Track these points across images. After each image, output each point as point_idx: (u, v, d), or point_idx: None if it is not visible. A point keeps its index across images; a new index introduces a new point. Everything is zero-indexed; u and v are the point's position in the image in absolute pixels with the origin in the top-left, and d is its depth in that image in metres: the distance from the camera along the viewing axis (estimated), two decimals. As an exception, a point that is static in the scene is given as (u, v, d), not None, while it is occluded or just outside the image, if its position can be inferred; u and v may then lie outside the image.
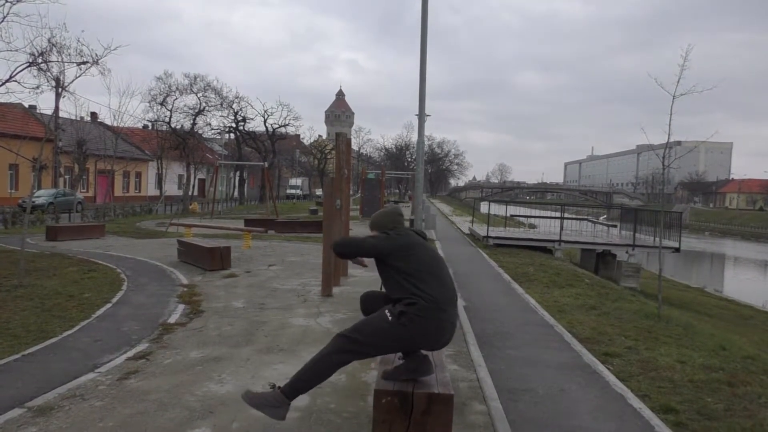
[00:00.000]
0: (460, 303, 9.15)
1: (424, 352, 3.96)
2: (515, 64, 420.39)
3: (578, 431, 4.42)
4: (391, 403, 3.53)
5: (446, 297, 3.85)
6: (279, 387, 3.78)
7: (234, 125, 48.53)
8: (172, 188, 51.09)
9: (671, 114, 10.05)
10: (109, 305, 8.34)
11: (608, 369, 6.14)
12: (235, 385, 5.01)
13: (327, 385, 5.08)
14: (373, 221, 4.31)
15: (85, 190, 41.24)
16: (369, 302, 4.25)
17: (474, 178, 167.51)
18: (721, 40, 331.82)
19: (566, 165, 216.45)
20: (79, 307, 8.13)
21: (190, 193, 42.22)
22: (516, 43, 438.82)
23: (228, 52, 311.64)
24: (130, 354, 5.99)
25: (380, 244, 4.01)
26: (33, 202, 18.91)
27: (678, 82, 9.83)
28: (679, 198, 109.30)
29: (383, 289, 4.10)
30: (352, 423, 4.26)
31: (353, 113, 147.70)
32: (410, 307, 3.70)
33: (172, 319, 7.57)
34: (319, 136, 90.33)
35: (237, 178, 55.97)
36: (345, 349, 3.73)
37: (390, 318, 3.71)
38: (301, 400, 4.66)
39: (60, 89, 25.09)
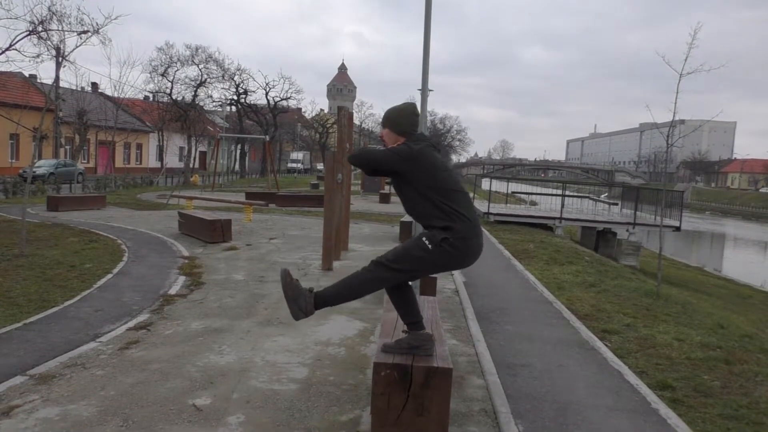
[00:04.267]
0: (460, 279, 9.18)
1: (429, 331, 3.89)
2: (522, 38, 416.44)
3: (575, 406, 4.46)
4: (390, 376, 3.55)
5: (474, 211, 3.74)
6: (314, 292, 3.71)
7: (235, 98, 48.24)
8: (173, 160, 50.94)
9: (677, 92, 9.99)
10: (110, 276, 8.38)
11: (606, 346, 6.18)
12: (235, 357, 5.05)
13: (326, 358, 5.12)
14: (388, 118, 3.87)
15: (85, 161, 41.13)
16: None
17: (476, 154, 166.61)
18: (731, 18, 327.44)
19: (568, 142, 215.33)
20: (80, 277, 8.16)
21: (191, 165, 42.11)
22: (523, 17, 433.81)
23: (231, 22, 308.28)
24: (131, 324, 6.03)
25: (402, 162, 3.63)
26: (34, 172, 18.85)
27: (685, 60, 9.75)
28: (681, 177, 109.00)
29: (394, 228, 3.82)
30: (351, 395, 4.30)
31: (355, 87, 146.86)
32: (449, 232, 3.55)
33: (172, 291, 7.60)
34: (321, 110, 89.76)
35: (238, 151, 55.77)
36: (383, 277, 3.65)
37: (430, 246, 3.56)
38: (300, 373, 4.71)
39: (60, 58, 24.91)
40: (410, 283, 3.93)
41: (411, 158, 3.63)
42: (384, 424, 3.57)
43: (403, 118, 3.83)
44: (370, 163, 3.78)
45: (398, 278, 3.71)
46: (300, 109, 73.58)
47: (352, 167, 12.74)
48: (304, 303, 3.67)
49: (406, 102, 4.00)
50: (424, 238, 3.62)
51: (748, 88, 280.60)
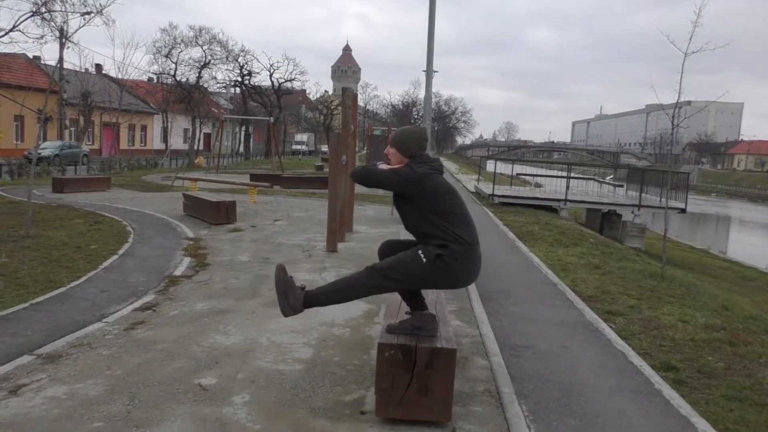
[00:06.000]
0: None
1: (431, 311, 3.94)
2: (529, 20, 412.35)
3: (579, 387, 4.47)
4: (395, 356, 3.57)
5: (475, 235, 3.79)
6: (305, 290, 3.77)
7: (239, 79, 48.07)
8: (177, 142, 50.84)
9: (682, 72, 9.90)
10: (115, 257, 8.41)
11: (610, 327, 6.19)
12: (240, 337, 5.07)
13: (331, 338, 5.14)
14: (397, 140, 3.89)
15: (90, 143, 41.15)
16: (390, 251, 3.99)
17: (480, 136, 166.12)
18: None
19: (574, 124, 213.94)
20: (85, 258, 8.19)
21: (195, 147, 42.07)
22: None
23: (234, 2, 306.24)
24: (136, 305, 6.06)
25: (405, 184, 3.69)
26: (39, 153, 18.87)
27: (690, 39, 9.66)
28: (686, 159, 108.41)
29: (394, 213, 3.93)
30: (356, 375, 4.32)
31: (360, 68, 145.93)
32: (445, 250, 3.61)
33: (178, 272, 7.63)
34: (326, 91, 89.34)
35: (242, 133, 55.67)
36: (375, 284, 3.71)
37: (425, 260, 3.62)
38: (305, 353, 4.73)
39: (64, 39, 24.87)
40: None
41: (414, 181, 3.70)
42: (388, 404, 3.59)
43: (412, 142, 3.87)
44: (373, 183, 3.84)
45: (389, 288, 3.80)
46: (304, 90, 73.22)
47: (356, 149, 12.73)
48: (294, 299, 3.74)
49: (417, 126, 4.04)
50: (420, 252, 3.68)
51: (755, 68, 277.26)
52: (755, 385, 4.80)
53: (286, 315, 3.76)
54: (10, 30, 13.36)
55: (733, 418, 4.21)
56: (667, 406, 4.21)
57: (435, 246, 3.64)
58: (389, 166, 3.88)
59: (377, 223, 12.53)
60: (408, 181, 3.70)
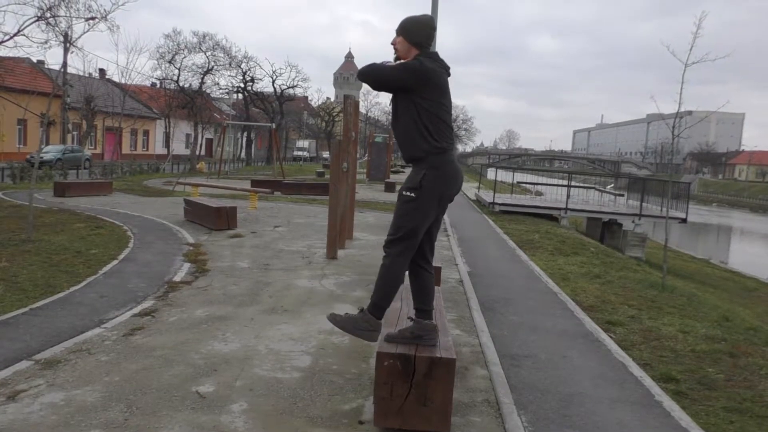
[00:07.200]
0: (464, 269, 9.18)
1: (433, 321, 3.90)
2: (531, 28, 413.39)
3: (579, 397, 4.45)
4: (393, 365, 3.55)
5: (452, 139, 3.78)
6: (364, 309, 3.77)
7: (242, 85, 48.14)
8: (179, 147, 50.89)
9: (682, 83, 9.92)
10: (115, 262, 8.39)
11: (610, 337, 6.17)
12: (238, 344, 5.06)
13: (330, 346, 5.13)
14: (404, 27, 3.75)
15: (92, 147, 41.21)
16: None
17: (482, 144, 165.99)
18: (743, 7, 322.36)
19: (575, 133, 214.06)
20: (86, 263, 8.18)
21: (197, 152, 42.12)
22: (533, 5, 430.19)
23: (238, 8, 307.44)
24: (135, 310, 6.04)
25: (412, 78, 3.60)
26: (41, 157, 18.88)
27: (690, 50, 9.69)
28: (687, 168, 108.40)
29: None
30: (354, 384, 4.31)
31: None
32: (423, 166, 3.63)
33: (177, 278, 7.61)
34: (327, 98, 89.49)
35: (244, 139, 55.71)
36: (399, 250, 3.70)
37: (413, 194, 3.63)
38: (303, 361, 4.72)
39: (68, 44, 24.97)
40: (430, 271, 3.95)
41: (421, 75, 3.62)
42: (387, 414, 3.58)
43: (419, 30, 3.75)
44: (379, 79, 3.74)
45: (412, 242, 3.74)
46: (306, 97, 73.39)
47: (358, 156, 12.73)
48: (365, 323, 3.74)
49: (425, 14, 3.91)
50: (404, 192, 3.71)
51: (757, 79, 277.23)
52: (756, 397, 4.78)
53: (374, 340, 3.77)
54: (15, 34, 13.44)
55: (733, 430, 4.20)
56: (668, 418, 4.19)
57: (413, 173, 3.69)
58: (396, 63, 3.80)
59: (378, 230, 12.52)
60: (415, 74, 3.60)
